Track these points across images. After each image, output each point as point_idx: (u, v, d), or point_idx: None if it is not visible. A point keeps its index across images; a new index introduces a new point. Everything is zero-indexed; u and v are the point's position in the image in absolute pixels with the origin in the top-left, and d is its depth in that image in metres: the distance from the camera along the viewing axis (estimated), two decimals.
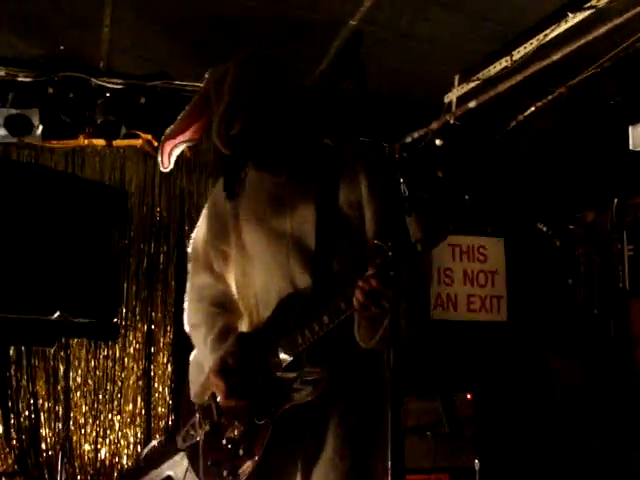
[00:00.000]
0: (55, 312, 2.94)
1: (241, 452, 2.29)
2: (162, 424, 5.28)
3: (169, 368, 5.36)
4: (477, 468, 4.71)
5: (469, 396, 5.10)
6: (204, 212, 2.62)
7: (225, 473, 2.31)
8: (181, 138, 2.60)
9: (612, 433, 5.72)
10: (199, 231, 2.61)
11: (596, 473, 5.49)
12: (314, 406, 2.26)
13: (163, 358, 5.35)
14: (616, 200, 5.82)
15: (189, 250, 2.64)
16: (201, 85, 5.22)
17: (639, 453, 5.43)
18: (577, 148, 5.42)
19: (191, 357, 2.56)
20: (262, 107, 2.26)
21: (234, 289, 2.52)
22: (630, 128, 5.05)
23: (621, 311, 6.04)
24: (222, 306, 2.50)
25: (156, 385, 5.30)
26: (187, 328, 2.54)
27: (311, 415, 2.28)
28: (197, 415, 2.46)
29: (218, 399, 2.38)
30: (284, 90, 2.31)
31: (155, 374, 5.31)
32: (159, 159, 2.64)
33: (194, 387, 2.48)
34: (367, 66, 2.25)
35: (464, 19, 4.61)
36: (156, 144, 5.31)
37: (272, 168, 2.42)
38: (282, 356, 2.27)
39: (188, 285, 2.59)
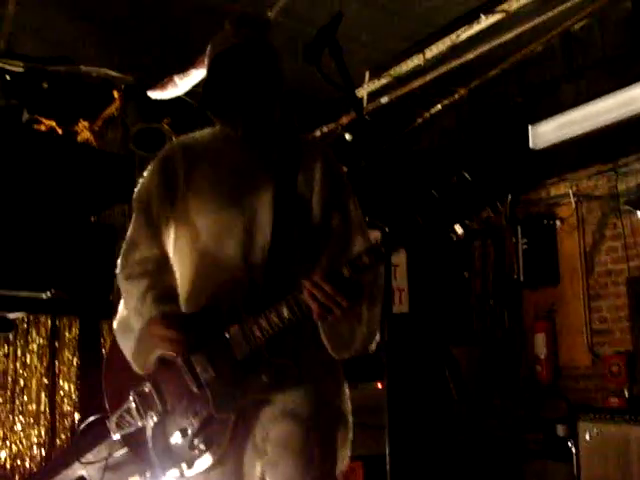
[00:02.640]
0: (47, 290, 2.72)
1: (201, 446, 2.18)
2: (67, 422, 5.02)
3: (75, 363, 5.09)
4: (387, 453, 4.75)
5: (380, 385, 5.10)
6: (152, 168, 2.43)
7: (183, 465, 2.21)
8: None
9: (508, 416, 5.96)
10: (148, 184, 2.41)
11: (493, 453, 5.67)
12: (273, 399, 2.20)
13: (68, 354, 5.06)
14: (510, 196, 6.03)
15: (135, 198, 2.43)
16: (107, 70, 5.03)
17: (532, 435, 5.62)
18: (479, 145, 5.60)
19: (116, 323, 2.38)
20: (260, 71, 2.28)
21: (174, 261, 2.38)
22: (530, 127, 5.28)
23: (515, 301, 6.31)
24: (167, 271, 2.33)
25: (61, 382, 5.03)
26: (120, 279, 2.35)
27: (268, 408, 2.20)
28: (132, 400, 2.30)
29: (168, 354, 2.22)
30: (277, 63, 2.33)
31: (60, 371, 5.04)
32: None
33: (128, 351, 2.29)
34: (282, 59, 2.29)
35: (380, 16, 4.67)
36: (60, 131, 5.03)
37: (240, 136, 2.37)
38: (236, 346, 2.15)
39: (131, 234, 2.38)
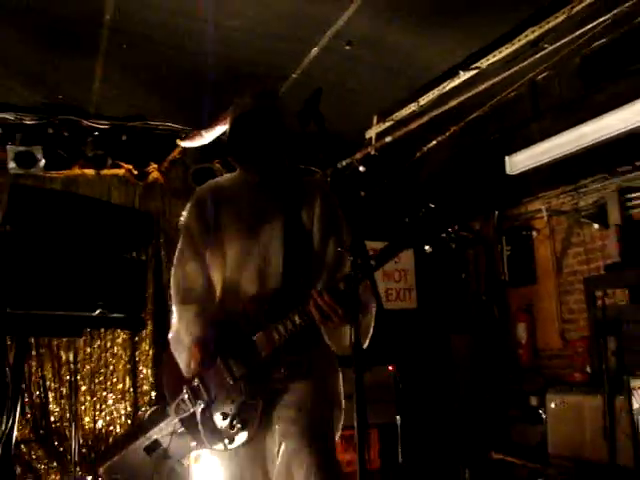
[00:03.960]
0: (97, 309, 3.14)
1: (239, 425, 2.37)
2: (147, 399, 5.49)
3: (150, 353, 5.56)
4: (398, 423, 5.03)
5: (391, 367, 5.46)
6: (190, 208, 2.60)
7: (225, 441, 2.41)
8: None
9: (497, 390, 6.28)
10: (190, 221, 2.57)
11: (485, 419, 6.01)
12: (288, 387, 2.38)
13: (146, 346, 5.55)
14: (497, 212, 6.35)
15: (182, 227, 2.60)
16: (171, 124, 5.42)
17: (516, 411, 5.95)
18: (467, 173, 5.89)
19: (171, 335, 2.54)
20: (270, 130, 2.48)
21: (214, 280, 2.55)
22: (506, 157, 5.51)
23: (501, 297, 6.60)
24: (208, 294, 2.51)
25: (141, 368, 5.50)
26: (176, 302, 2.50)
27: (285, 395, 2.39)
28: (186, 392, 2.47)
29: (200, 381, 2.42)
30: (283, 123, 2.52)
31: (140, 359, 5.52)
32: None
33: (181, 361, 2.47)
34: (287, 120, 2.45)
35: (384, 73, 4.99)
36: (136, 173, 5.59)
37: (257, 182, 2.54)
38: (260, 347, 2.35)
39: (180, 260, 2.54)
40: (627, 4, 4.12)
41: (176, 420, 2.59)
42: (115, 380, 5.39)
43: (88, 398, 5.24)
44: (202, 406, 2.43)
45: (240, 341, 2.39)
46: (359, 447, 2.00)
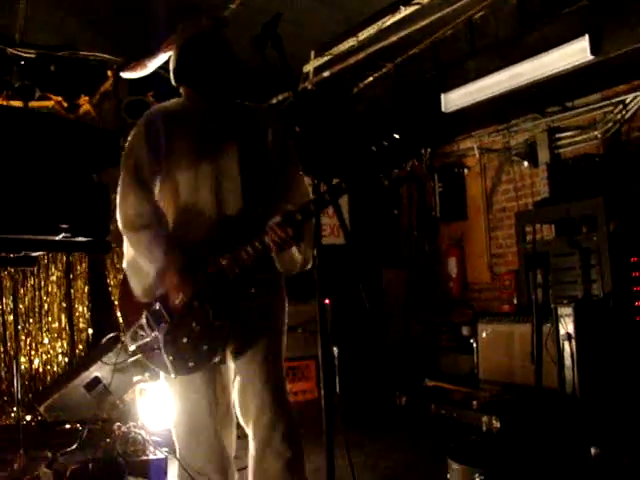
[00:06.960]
0: (60, 233, 2.98)
1: (205, 348, 2.34)
2: (83, 337, 5.45)
3: (86, 290, 5.49)
4: (336, 354, 5.25)
5: (327, 301, 5.60)
6: (138, 133, 2.49)
7: (190, 364, 2.35)
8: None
9: (428, 322, 6.53)
10: (138, 150, 2.47)
11: (417, 350, 6.27)
12: (259, 303, 2.41)
13: (81, 283, 5.47)
14: (429, 149, 6.48)
15: (125, 159, 2.48)
16: (102, 54, 5.22)
17: (446, 335, 6.22)
18: (403, 109, 5.85)
19: (126, 263, 2.47)
20: (224, 54, 2.47)
21: (163, 208, 2.49)
22: (442, 95, 5.55)
23: (433, 233, 6.80)
24: (158, 219, 2.43)
25: (76, 305, 5.44)
26: (127, 230, 2.42)
27: (253, 312, 2.41)
28: (144, 318, 2.41)
29: (176, 299, 2.35)
30: (232, 51, 2.50)
31: (75, 297, 5.44)
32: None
33: (140, 287, 2.42)
34: (243, 42, 2.32)
35: (323, 7, 4.93)
36: (66, 105, 5.37)
37: (207, 106, 2.48)
38: (229, 269, 2.33)
39: (125, 188, 2.44)
40: None
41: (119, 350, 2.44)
42: (50, 319, 5.31)
43: (23, 338, 5.13)
44: (165, 330, 2.37)
45: (205, 264, 2.36)
46: (324, 377, 2.11)
